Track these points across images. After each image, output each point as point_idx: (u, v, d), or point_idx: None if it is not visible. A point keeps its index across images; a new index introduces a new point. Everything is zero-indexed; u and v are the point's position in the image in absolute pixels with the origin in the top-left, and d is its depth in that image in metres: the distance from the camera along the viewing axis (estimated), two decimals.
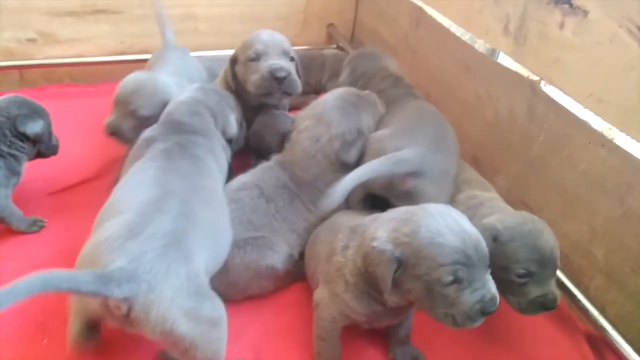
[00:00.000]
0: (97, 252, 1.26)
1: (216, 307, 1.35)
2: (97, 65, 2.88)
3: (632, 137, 1.63)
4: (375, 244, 1.30)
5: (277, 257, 1.74)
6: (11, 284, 1.03)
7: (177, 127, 1.79)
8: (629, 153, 1.66)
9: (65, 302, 1.41)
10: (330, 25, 3.35)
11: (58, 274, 1.11)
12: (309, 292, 1.67)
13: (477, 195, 1.83)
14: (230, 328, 1.64)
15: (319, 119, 1.94)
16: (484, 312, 1.26)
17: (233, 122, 1.98)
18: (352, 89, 2.10)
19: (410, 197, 1.69)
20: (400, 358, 1.62)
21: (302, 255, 1.82)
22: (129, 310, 1.21)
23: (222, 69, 2.30)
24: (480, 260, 1.27)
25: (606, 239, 1.76)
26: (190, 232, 1.37)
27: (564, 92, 1.85)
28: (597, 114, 1.73)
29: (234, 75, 2.17)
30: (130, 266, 1.21)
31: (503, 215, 1.64)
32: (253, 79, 2.06)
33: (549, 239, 1.54)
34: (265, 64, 2.05)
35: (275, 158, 1.96)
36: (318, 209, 1.80)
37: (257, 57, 2.08)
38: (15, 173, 1.89)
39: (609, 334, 1.67)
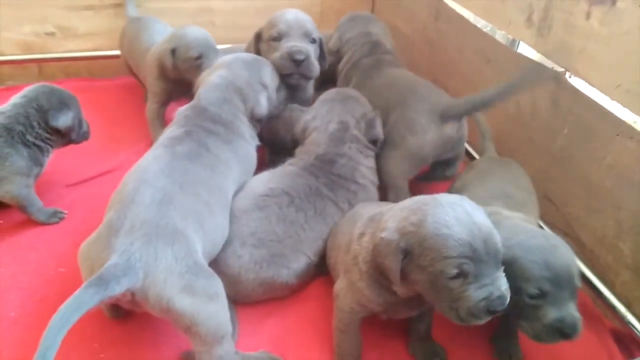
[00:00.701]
0: (89, 254, 1.37)
1: (212, 283, 1.40)
2: (114, 58, 2.88)
3: None
4: (383, 234, 1.28)
5: (293, 272, 1.69)
6: (39, 346, 1.10)
7: (201, 114, 1.79)
8: None
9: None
10: None
11: (67, 308, 1.16)
12: (331, 285, 1.65)
13: (500, 211, 1.59)
14: (248, 320, 1.67)
15: (330, 109, 1.97)
16: (489, 311, 1.21)
17: (263, 103, 1.93)
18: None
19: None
20: (420, 354, 1.59)
21: (324, 256, 1.78)
22: (132, 296, 1.30)
23: (247, 43, 2.31)
24: (490, 256, 1.20)
25: (633, 233, 1.71)
26: (169, 216, 1.40)
27: (590, 84, 1.81)
28: (624, 106, 1.69)
29: (258, 52, 2.20)
30: (122, 260, 1.28)
31: (511, 230, 1.42)
32: (273, 59, 2.09)
33: (565, 255, 1.35)
34: (286, 45, 2.09)
35: (300, 164, 1.86)
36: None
37: (279, 37, 2.12)
38: (38, 164, 1.90)
39: (637, 330, 1.63)
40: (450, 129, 2.00)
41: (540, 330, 1.33)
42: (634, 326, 1.65)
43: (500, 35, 2.33)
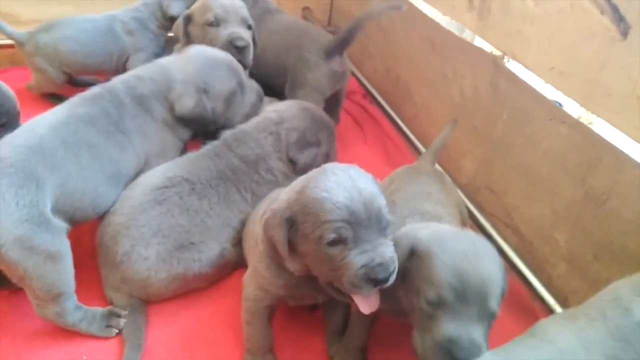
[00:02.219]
0: None
1: (55, 241, 1.37)
2: None
3: (592, 112, 1.51)
4: (273, 206, 1.23)
5: (206, 262, 1.61)
6: None
7: (124, 83, 1.78)
8: (589, 129, 1.54)
9: None
10: (306, 8, 3.24)
11: None
12: None
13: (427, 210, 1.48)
14: (161, 313, 1.58)
15: (289, 110, 1.88)
16: (371, 279, 1.11)
17: (186, 102, 1.78)
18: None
19: None
20: (338, 354, 1.50)
21: (239, 243, 1.70)
22: None
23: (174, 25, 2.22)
24: (372, 220, 1.13)
25: (568, 223, 1.63)
26: (30, 161, 1.39)
27: (526, 66, 1.73)
28: (557, 88, 1.61)
29: (186, 34, 2.13)
30: None
31: (438, 227, 1.29)
32: (213, 46, 2.00)
33: (485, 268, 1.12)
34: (225, 32, 2.05)
35: (204, 148, 1.81)
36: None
37: (216, 23, 2.07)
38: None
39: None
40: (335, 64, 2.31)
41: (428, 346, 1.12)
42: None
43: (446, 22, 2.25)
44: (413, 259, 1.18)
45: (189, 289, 1.64)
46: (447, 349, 1.07)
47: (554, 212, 1.68)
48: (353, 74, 2.93)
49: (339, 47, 2.29)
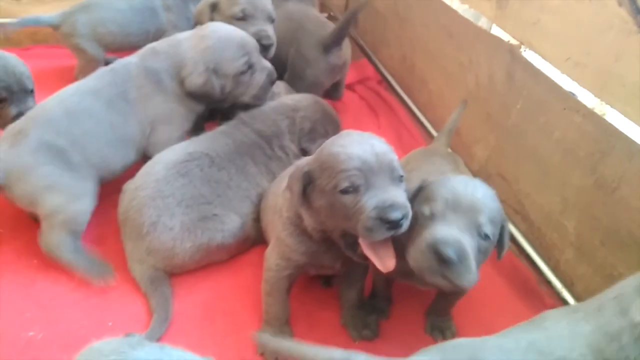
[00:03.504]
0: None
1: (79, 185, 1.66)
2: None
3: (606, 102, 1.55)
4: (297, 162, 1.35)
5: (228, 233, 1.68)
6: None
7: (139, 56, 1.92)
8: (602, 119, 1.58)
9: None
10: None
11: None
12: None
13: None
14: (181, 285, 1.65)
15: (304, 100, 1.99)
16: (383, 220, 1.18)
17: (195, 79, 1.84)
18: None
19: None
20: (351, 325, 1.57)
21: (258, 219, 1.77)
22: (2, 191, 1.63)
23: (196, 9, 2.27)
24: (383, 169, 1.22)
25: (577, 210, 1.68)
26: (34, 128, 1.65)
27: (543, 57, 1.77)
28: (573, 79, 1.65)
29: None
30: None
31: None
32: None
33: (478, 191, 1.25)
34: (253, 29, 2.10)
35: (224, 125, 1.91)
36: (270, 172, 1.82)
37: (243, 18, 2.12)
38: None
39: None
40: (333, 57, 2.39)
41: (418, 249, 1.20)
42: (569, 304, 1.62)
43: (464, 10, 2.27)
44: (420, 193, 1.31)
45: (211, 261, 1.71)
46: (435, 248, 1.16)
47: (564, 200, 1.73)
48: (369, 60, 2.97)
49: (336, 40, 2.35)
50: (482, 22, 2.20)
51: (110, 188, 1.82)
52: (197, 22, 2.23)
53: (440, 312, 1.61)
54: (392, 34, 2.83)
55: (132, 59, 1.89)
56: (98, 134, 1.75)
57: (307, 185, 1.30)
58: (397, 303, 1.66)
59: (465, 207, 1.21)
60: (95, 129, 1.74)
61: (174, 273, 1.66)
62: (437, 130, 2.38)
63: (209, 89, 1.85)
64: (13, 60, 1.86)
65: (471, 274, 1.18)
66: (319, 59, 2.37)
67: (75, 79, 2.50)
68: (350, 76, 2.82)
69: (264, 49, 2.10)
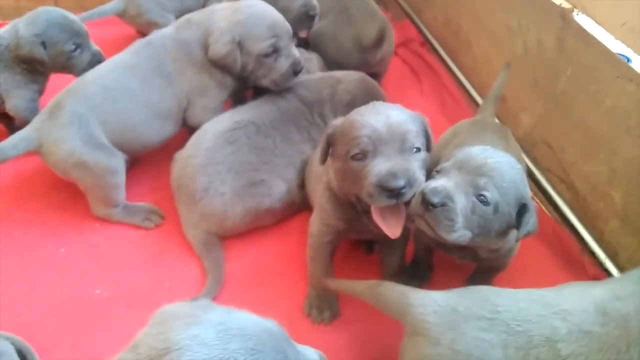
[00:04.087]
0: None
1: (109, 161, 1.74)
2: None
3: None
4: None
5: (275, 197, 1.76)
6: None
7: (174, 27, 1.95)
8: None
9: None
10: None
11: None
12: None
13: None
14: (232, 248, 1.75)
15: (350, 75, 2.03)
16: (383, 187, 1.23)
17: (219, 49, 1.83)
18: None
19: None
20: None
21: (302, 185, 1.84)
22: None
23: None
24: (394, 139, 1.28)
25: (625, 180, 1.66)
26: (75, 103, 1.73)
27: (596, 22, 1.71)
28: (628, 45, 1.60)
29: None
30: (23, 131, 1.73)
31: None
32: (288, 14, 2.08)
33: (491, 156, 1.26)
34: (301, 1, 2.16)
35: (269, 94, 1.95)
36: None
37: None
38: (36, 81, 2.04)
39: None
40: (369, 56, 2.32)
41: (413, 200, 1.26)
42: (612, 274, 1.63)
43: None
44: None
45: (259, 224, 1.80)
46: (422, 193, 1.21)
47: (611, 170, 1.71)
48: (412, 21, 2.91)
49: (376, 44, 2.29)
50: None
51: (162, 154, 1.93)
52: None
53: (480, 283, 1.64)
54: None
55: (168, 30, 1.92)
56: (132, 111, 1.80)
57: (330, 147, 1.39)
58: (438, 271, 1.71)
59: (470, 167, 1.24)
60: (130, 106, 1.80)
61: (225, 236, 1.75)
62: (481, 96, 2.35)
63: (229, 62, 1.85)
64: (63, 11, 1.98)
65: (453, 224, 1.20)
66: (353, 54, 2.31)
67: None
68: None
69: (311, 19, 2.13)
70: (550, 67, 1.93)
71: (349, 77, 2.01)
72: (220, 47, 1.82)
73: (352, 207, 1.44)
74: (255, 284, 1.67)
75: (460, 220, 1.21)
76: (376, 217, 1.30)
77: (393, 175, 1.23)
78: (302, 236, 1.71)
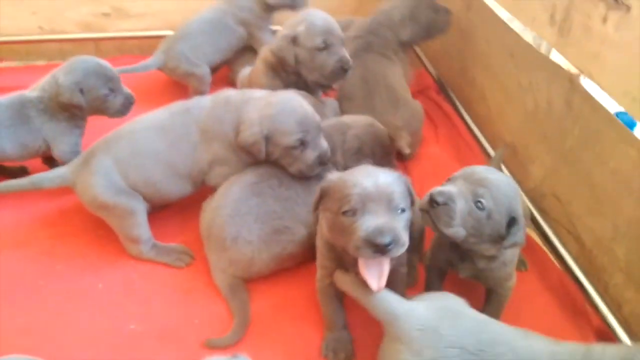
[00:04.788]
0: None
1: (130, 204, 1.93)
2: (163, 38, 3.11)
3: None
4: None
5: (298, 243, 1.89)
6: None
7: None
8: None
9: None
10: None
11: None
12: None
13: None
14: (254, 289, 1.88)
15: (359, 120, 2.16)
16: (369, 242, 1.36)
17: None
18: None
19: None
20: None
21: None
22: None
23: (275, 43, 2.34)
24: (382, 198, 1.41)
25: (627, 238, 1.76)
26: (116, 145, 1.97)
27: (601, 88, 1.82)
28: (630, 113, 1.71)
29: (295, 57, 2.26)
30: (62, 169, 2.02)
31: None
32: (323, 69, 2.24)
33: (491, 172, 1.55)
34: (335, 57, 2.25)
35: None
36: None
37: (325, 47, 2.24)
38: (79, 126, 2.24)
39: (615, 331, 1.70)
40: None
41: (422, 200, 1.54)
42: (612, 327, 1.72)
43: (525, 33, 2.33)
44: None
45: (283, 268, 1.92)
46: (430, 194, 1.47)
47: (615, 227, 1.81)
48: (427, 71, 3.06)
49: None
50: (544, 46, 2.26)
51: (191, 198, 2.09)
52: (279, 59, 2.29)
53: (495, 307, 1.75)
54: (453, 47, 2.91)
55: (206, 102, 2.04)
56: (154, 170, 1.97)
57: (323, 198, 1.54)
58: None
59: (473, 179, 1.50)
60: (152, 165, 1.97)
61: (250, 279, 1.88)
62: (493, 148, 2.47)
63: (255, 151, 1.92)
64: (97, 59, 2.18)
65: (451, 220, 1.46)
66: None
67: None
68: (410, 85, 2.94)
69: (345, 72, 2.25)
70: (559, 125, 2.06)
71: (358, 122, 2.13)
72: (248, 137, 1.90)
73: (343, 253, 1.57)
74: (276, 325, 1.78)
75: (457, 218, 1.46)
76: (361, 269, 1.43)
77: (380, 232, 1.36)
78: None
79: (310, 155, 1.92)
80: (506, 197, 1.49)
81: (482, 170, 1.54)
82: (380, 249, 1.36)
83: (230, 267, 1.85)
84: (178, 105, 2.07)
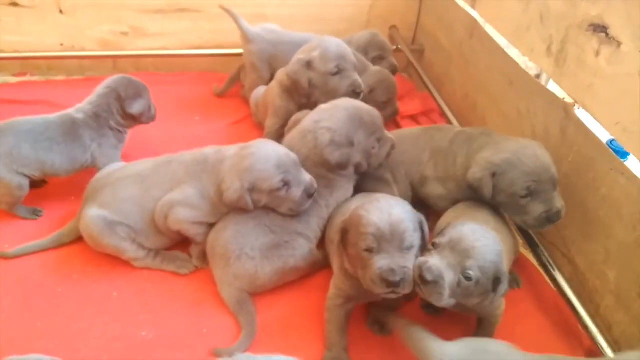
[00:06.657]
0: None
1: (117, 236, 2.02)
2: (178, 57, 3.26)
3: None
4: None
5: (300, 257, 1.98)
6: None
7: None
8: None
9: None
10: (393, 27, 3.49)
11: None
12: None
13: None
14: (260, 301, 1.97)
15: (328, 110, 2.11)
16: (384, 280, 1.53)
17: (230, 193, 1.95)
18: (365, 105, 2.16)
19: None
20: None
21: (322, 242, 2.09)
22: None
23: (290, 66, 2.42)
24: (395, 238, 1.54)
25: (618, 262, 1.84)
26: (101, 193, 2.06)
27: (594, 118, 1.93)
28: (621, 143, 1.80)
29: (309, 81, 2.37)
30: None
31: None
32: (336, 93, 2.34)
33: (479, 239, 1.54)
34: (348, 82, 2.37)
35: None
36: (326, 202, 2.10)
37: (338, 72, 2.36)
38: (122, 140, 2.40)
39: (604, 352, 1.77)
40: None
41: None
42: (601, 347, 1.79)
43: (524, 62, 2.44)
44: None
45: (286, 281, 2.01)
46: (419, 269, 1.52)
47: (607, 251, 1.89)
48: (431, 95, 3.16)
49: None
50: (544, 76, 2.37)
51: None
52: (294, 81, 2.39)
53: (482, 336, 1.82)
54: (456, 72, 3.02)
55: (187, 157, 2.08)
56: (133, 214, 2.04)
57: (345, 235, 1.67)
58: (442, 330, 1.88)
59: (461, 249, 1.52)
60: (131, 209, 2.04)
61: (256, 293, 1.98)
62: None
63: (242, 205, 1.96)
64: (129, 77, 2.38)
65: (441, 296, 1.51)
66: None
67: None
68: (415, 107, 3.05)
69: (357, 96, 2.34)
70: (555, 151, 2.13)
71: (327, 112, 2.08)
72: (231, 194, 1.93)
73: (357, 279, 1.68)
74: (282, 336, 1.86)
75: (447, 293, 1.52)
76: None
77: (392, 272, 1.52)
78: (322, 293, 1.91)
79: (296, 192, 1.95)
80: (492, 263, 1.54)
81: (469, 235, 1.54)
82: (391, 286, 1.53)
83: (235, 280, 1.94)
84: (162, 158, 2.14)
